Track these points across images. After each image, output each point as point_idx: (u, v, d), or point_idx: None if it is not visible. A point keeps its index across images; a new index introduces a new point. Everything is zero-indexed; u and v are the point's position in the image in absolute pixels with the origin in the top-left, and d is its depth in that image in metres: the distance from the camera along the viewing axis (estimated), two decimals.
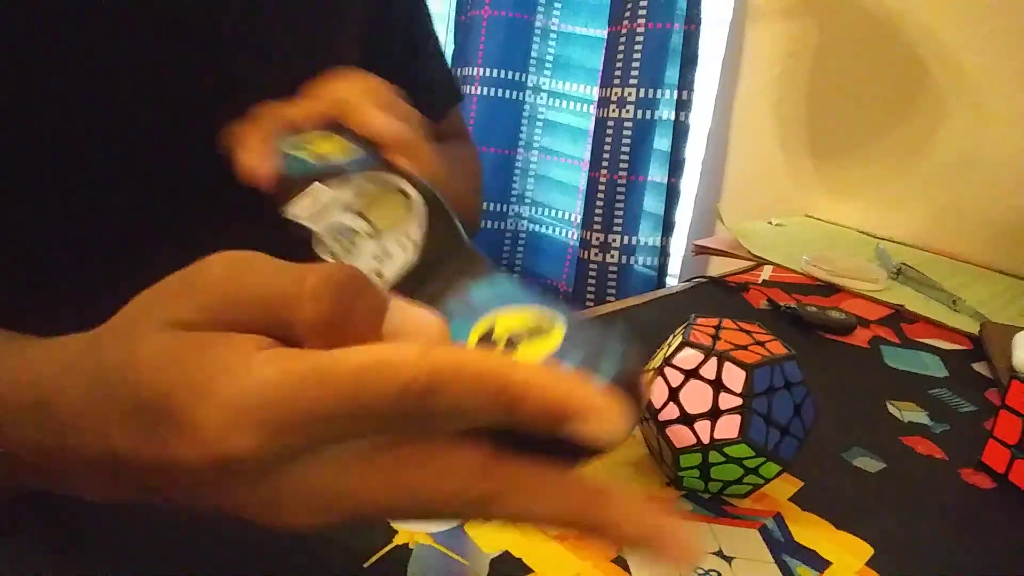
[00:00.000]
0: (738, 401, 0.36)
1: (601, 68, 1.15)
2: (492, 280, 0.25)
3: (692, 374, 0.37)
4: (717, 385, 0.36)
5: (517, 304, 0.24)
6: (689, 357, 0.37)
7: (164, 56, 0.41)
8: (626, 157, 1.13)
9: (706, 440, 0.36)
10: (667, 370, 0.38)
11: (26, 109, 0.38)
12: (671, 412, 0.37)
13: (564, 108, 1.28)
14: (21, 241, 0.40)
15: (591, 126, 1.19)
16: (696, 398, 0.36)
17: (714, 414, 0.36)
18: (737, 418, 0.35)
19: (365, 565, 0.31)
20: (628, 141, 1.13)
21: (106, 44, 0.39)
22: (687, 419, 0.36)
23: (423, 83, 0.63)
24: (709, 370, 0.37)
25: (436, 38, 0.66)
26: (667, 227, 1.16)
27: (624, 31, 1.11)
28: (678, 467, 0.37)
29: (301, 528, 0.21)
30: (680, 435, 0.36)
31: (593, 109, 1.19)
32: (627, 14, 1.10)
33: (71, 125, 0.39)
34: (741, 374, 0.36)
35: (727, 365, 0.36)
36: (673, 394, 0.37)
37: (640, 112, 1.11)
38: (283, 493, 0.20)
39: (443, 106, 0.65)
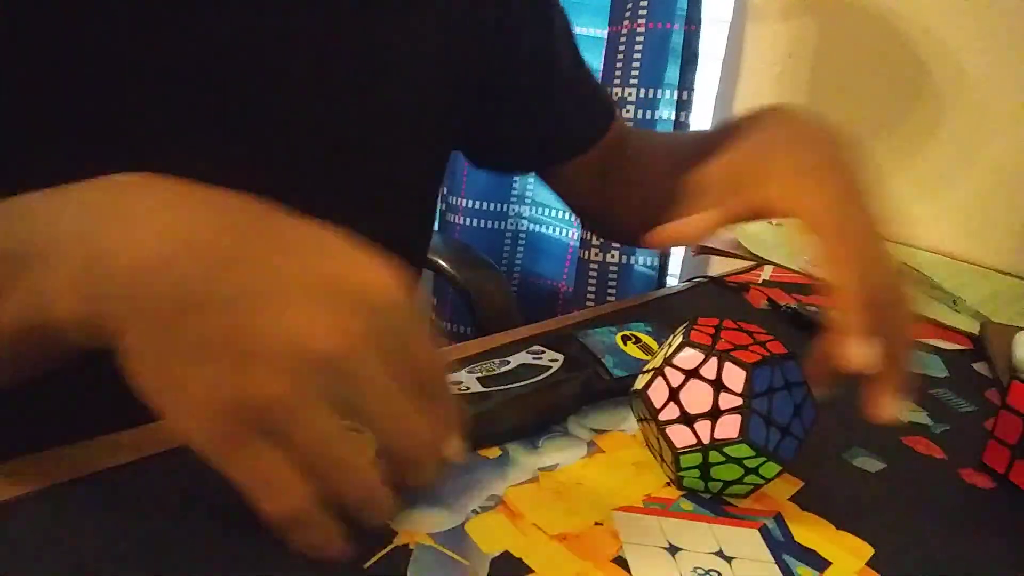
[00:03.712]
0: (738, 401, 0.36)
1: (601, 68, 1.15)
2: None
3: (692, 374, 0.37)
4: (717, 385, 0.36)
5: None
6: (689, 357, 0.37)
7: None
8: None
9: (706, 440, 0.36)
10: (667, 370, 0.38)
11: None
12: (671, 412, 0.37)
13: None
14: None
15: None
16: (696, 398, 0.36)
17: (714, 414, 0.36)
18: (737, 418, 0.35)
19: (365, 566, 0.31)
20: None
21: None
22: (687, 419, 0.36)
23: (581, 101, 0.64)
24: (709, 370, 0.37)
25: (579, 57, 0.65)
26: None
27: (624, 31, 1.11)
28: (678, 467, 0.37)
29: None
30: (680, 435, 0.36)
31: None
32: (627, 14, 1.10)
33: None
34: (741, 374, 0.36)
35: (727, 365, 0.36)
36: (673, 394, 0.37)
37: (640, 112, 1.11)
38: None
39: (606, 123, 0.65)
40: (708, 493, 0.39)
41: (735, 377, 0.36)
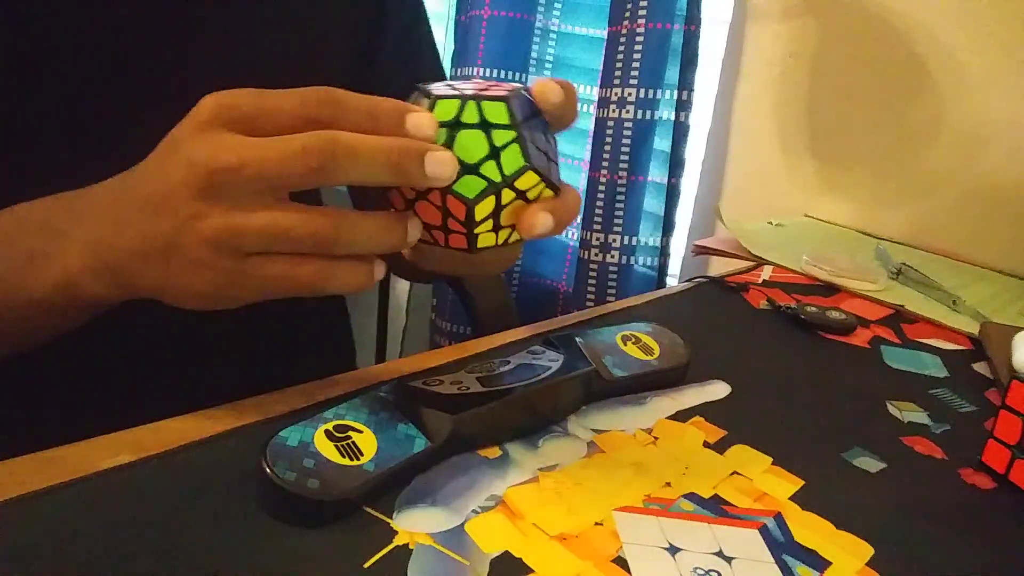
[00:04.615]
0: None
1: (601, 68, 1.15)
2: None
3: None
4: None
5: None
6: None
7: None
8: (626, 157, 1.13)
9: (469, 93, 0.35)
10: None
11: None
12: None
13: None
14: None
15: (591, 126, 1.19)
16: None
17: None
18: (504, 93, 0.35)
19: (365, 565, 0.31)
20: (628, 141, 1.13)
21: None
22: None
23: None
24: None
25: (432, 38, 0.67)
26: (667, 227, 1.16)
27: (624, 31, 1.11)
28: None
29: None
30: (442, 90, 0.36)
31: (593, 109, 1.19)
32: (627, 14, 1.10)
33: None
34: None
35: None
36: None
37: (640, 112, 1.11)
38: None
39: None
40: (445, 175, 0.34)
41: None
